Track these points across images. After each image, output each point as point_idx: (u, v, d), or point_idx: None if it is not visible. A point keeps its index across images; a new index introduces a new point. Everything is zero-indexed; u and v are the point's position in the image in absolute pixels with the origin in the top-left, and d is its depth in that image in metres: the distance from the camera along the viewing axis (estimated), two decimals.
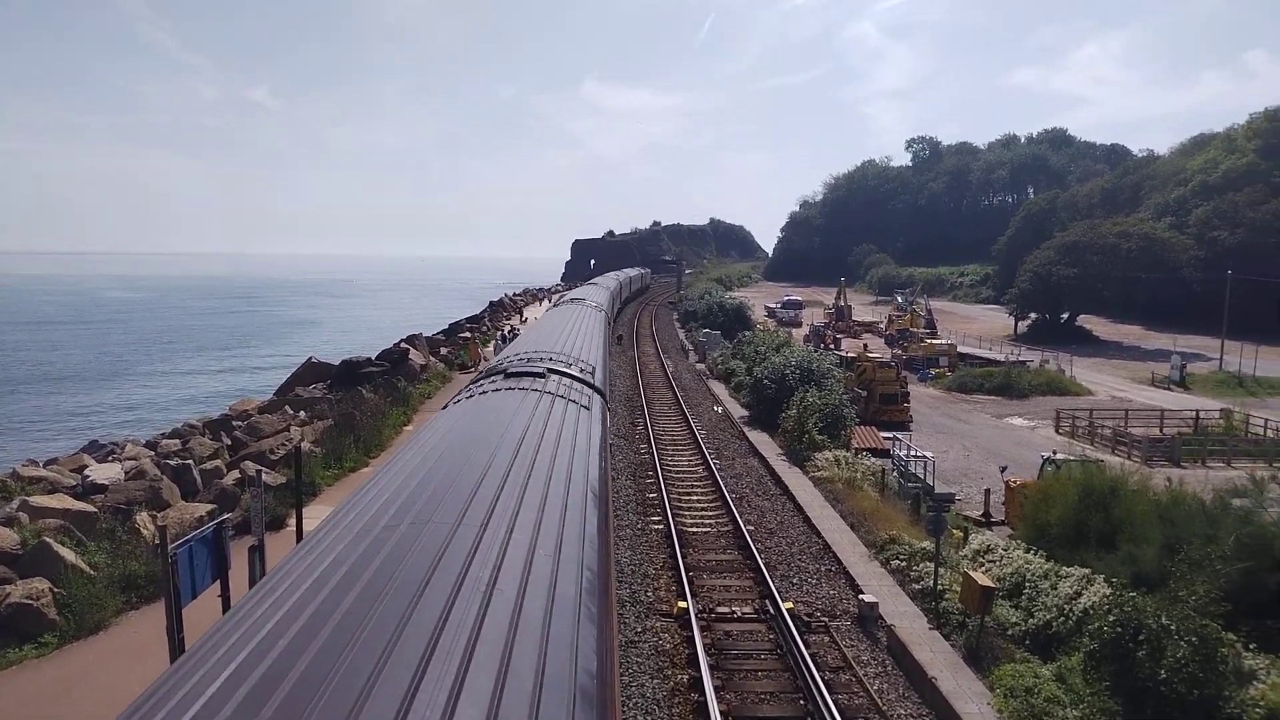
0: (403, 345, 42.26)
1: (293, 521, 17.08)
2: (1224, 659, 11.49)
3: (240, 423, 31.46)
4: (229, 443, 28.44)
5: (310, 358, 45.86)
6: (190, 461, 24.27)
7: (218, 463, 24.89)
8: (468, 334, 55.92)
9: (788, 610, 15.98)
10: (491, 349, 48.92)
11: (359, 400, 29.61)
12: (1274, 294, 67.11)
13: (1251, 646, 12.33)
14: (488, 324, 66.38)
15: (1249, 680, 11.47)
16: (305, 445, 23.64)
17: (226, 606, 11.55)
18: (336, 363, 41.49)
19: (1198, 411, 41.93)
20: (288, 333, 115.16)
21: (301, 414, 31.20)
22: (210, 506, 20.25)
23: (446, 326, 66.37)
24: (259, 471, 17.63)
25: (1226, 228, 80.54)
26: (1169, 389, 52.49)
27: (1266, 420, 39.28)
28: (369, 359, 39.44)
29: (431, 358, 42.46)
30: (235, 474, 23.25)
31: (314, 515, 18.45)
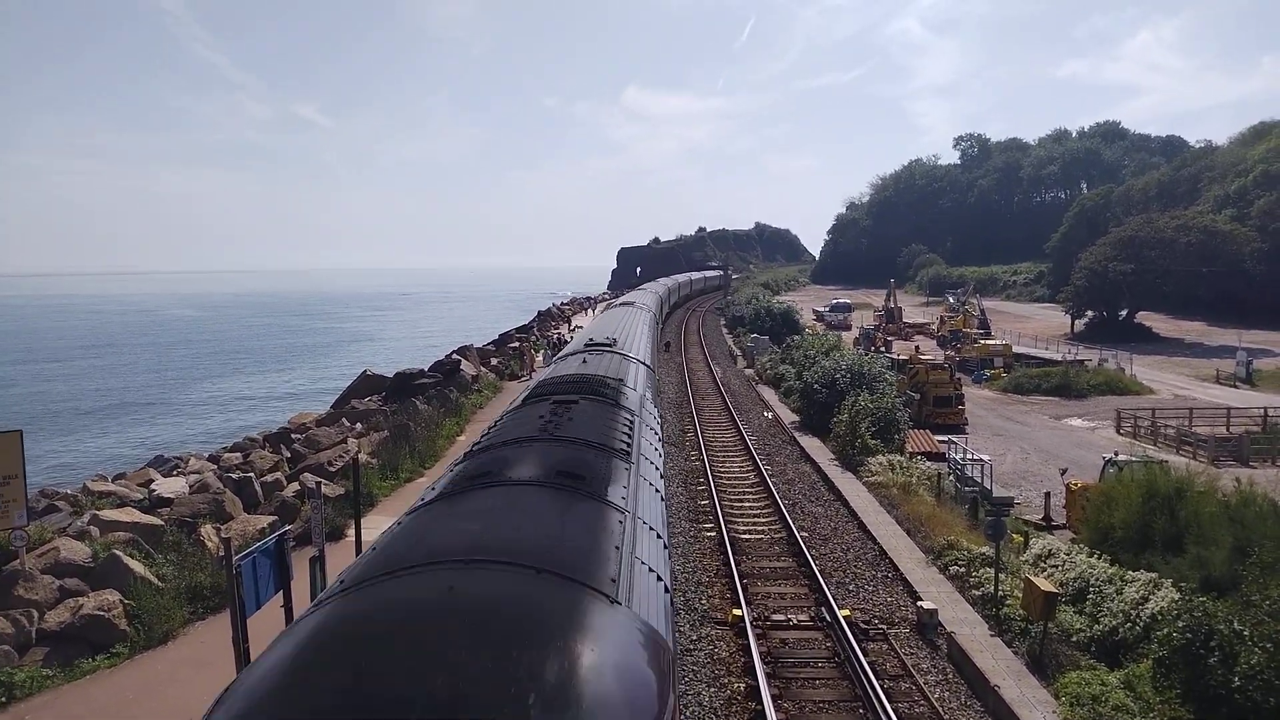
0: (454, 356, 42.82)
1: (352, 532, 17.39)
2: None
3: (299, 435, 32.13)
4: (288, 455, 29.07)
5: (365, 370, 46.70)
6: (251, 474, 24.85)
7: (278, 475, 25.45)
8: (517, 344, 56.45)
9: (844, 618, 15.82)
10: (540, 358, 49.30)
11: (413, 411, 30.04)
12: None
13: None
14: (536, 333, 66.90)
15: None
16: (362, 457, 24.06)
17: (289, 618, 11.82)
18: (390, 375, 42.16)
19: (1266, 409, 40.55)
20: (342, 346, 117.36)
21: (358, 426, 31.75)
22: (272, 518, 20.72)
23: (497, 337, 67.08)
24: (318, 484, 17.99)
25: None
26: (1235, 386, 50.90)
27: None
28: (422, 370, 40.01)
29: (483, 368, 42.93)
30: (295, 486, 23.76)
31: (372, 525, 18.77)
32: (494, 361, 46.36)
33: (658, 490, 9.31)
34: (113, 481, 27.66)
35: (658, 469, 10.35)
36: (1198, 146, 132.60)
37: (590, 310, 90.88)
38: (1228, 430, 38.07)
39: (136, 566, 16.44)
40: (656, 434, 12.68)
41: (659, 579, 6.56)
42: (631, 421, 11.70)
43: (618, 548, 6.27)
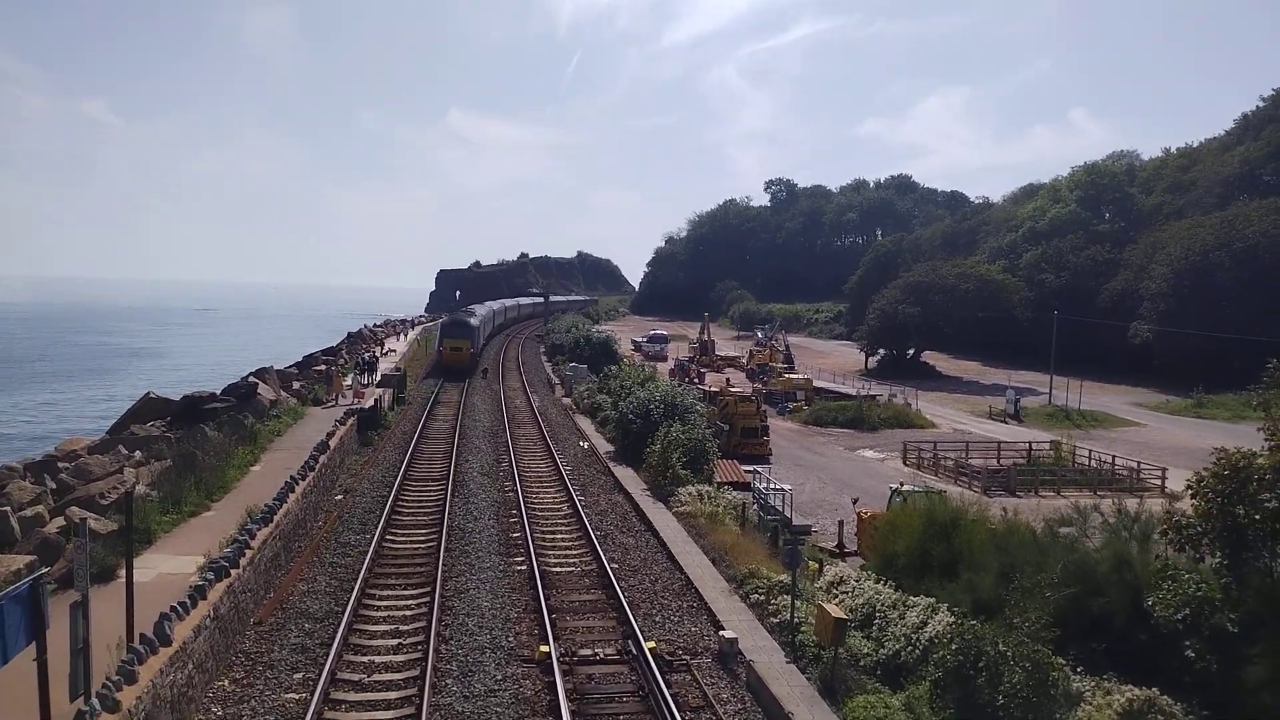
0: (251, 379, 40.19)
1: (123, 572, 15.85)
2: (1055, 683, 12.22)
3: (67, 464, 29.02)
4: (54, 486, 26.16)
5: (148, 393, 42.96)
6: (8, 508, 22.14)
7: (39, 509, 22.82)
8: (323, 367, 53.79)
9: (650, 650, 15.98)
10: (350, 381, 47.21)
11: (201, 439, 27.89)
12: (1094, 332, 72.99)
13: (1078, 670, 13.17)
14: (345, 356, 64.08)
15: (1076, 702, 12.25)
16: (140, 488, 22.03)
17: (43, 672, 10.57)
18: (178, 398, 39.04)
19: (1030, 443, 44.94)
20: (127, 364, 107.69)
21: (137, 454, 29.08)
22: (30, 558, 18.48)
23: (301, 359, 63.63)
24: (84, 520, 16.31)
25: (1052, 270, 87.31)
26: (1005, 422, 56.07)
27: (1090, 451, 42.49)
28: (213, 394, 37.27)
29: (283, 392, 40.56)
30: (60, 521, 21.38)
31: (148, 565, 17.19)
32: (296, 385, 43.88)
33: None
34: None
35: None
36: (977, 202, 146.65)
37: (403, 335, 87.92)
38: (998, 462, 41.81)
39: None
40: None
41: None
42: None
43: None
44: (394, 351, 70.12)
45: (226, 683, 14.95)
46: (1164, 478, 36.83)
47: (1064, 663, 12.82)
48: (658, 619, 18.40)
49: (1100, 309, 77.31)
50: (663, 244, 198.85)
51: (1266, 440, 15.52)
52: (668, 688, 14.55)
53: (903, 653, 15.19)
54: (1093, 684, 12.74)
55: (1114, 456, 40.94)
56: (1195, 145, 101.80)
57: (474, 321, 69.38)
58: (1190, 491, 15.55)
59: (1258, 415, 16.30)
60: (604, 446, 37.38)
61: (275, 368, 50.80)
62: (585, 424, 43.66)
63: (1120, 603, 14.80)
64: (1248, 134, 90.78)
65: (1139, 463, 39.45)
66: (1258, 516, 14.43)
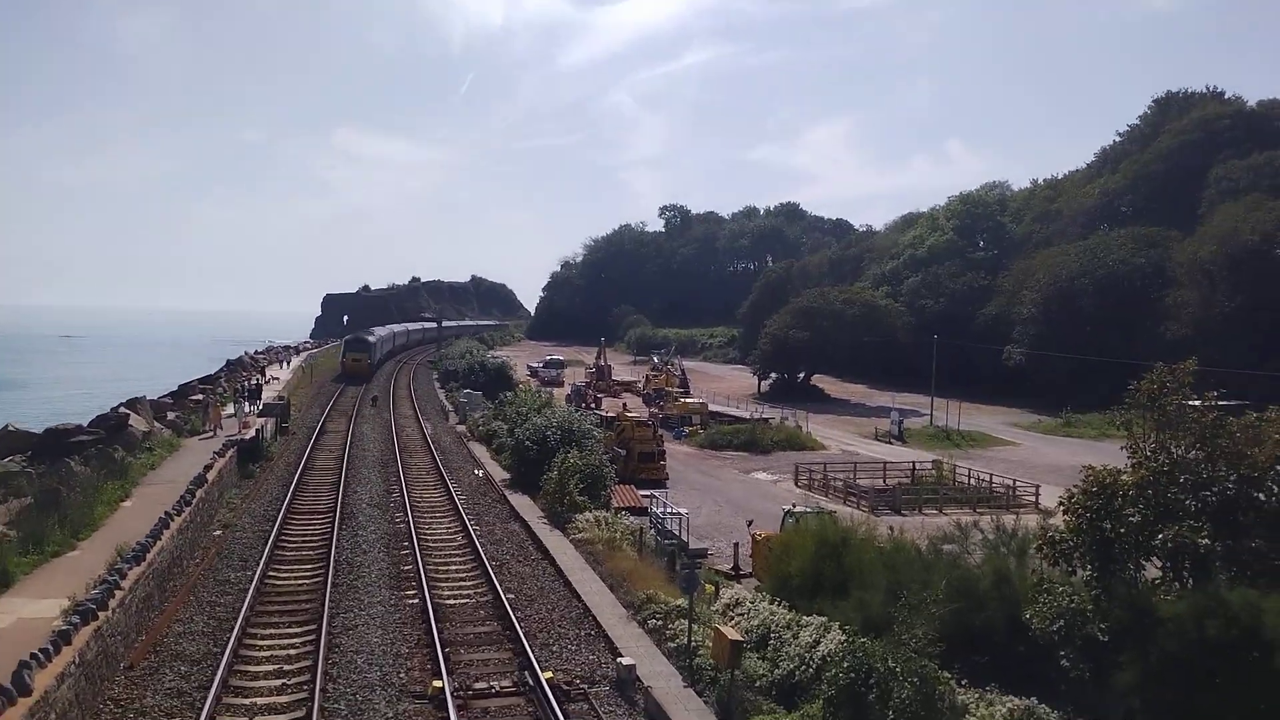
0: (122, 410, 37.99)
1: None
2: (941, 696, 12.62)
3: None
4: None
5: (7, 425, 40.07)
6: None
7: None
8: (200, 396, 51.33)
9: (547, 680, 15.76)
10: (232, 410, 45.19)
11: (66, 474, 26.14)
12: (971, 355, 76.56)
13: (963, 682, 13.65)
14: (224, 384, 61.33)
15: (961, 714, 12.68)
16: None
17: None
18: (40, 430, 36.56)
19: (914, 463, 46.61)
20: None
21: None
22: None
23: (176, 388, 60.55)
24: None
25: (932, 296, 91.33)
26: (890, 442, 58.02)
27: (969, 470, 44.38)
28: (80, 426, 35.04)
29: (156, 423, 38.47)
30: None
31: (6, 610, 15.95)
32: (171, 416, 41.68)
33: None
34: None
35: None
36: (861, 230, 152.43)
37: (285, 363, 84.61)
38: (884, 482, 43.17)
39: None
40: None
41: None
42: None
43: None
44: (276, 379, 67.56)
45: None
46: (1038, 495, 38.74)
47: (949, 676, 13.25)
48: (555, 648, 18.16)
49: (976, 332, 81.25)
50: (559, 268, 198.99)
51: (1130, 458, 16.57)
52: (565, 718, 14.35)
53: (797, 672, 15.42)
54: (976, 696, 13.22)
55: (991, 475, 42.85)
56: (1060, 176, 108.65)
57: (372, 339, 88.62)
58: (1062, 508, 16.44)
59: (1121, 434, 17.39)
60: (500, 474, 36.87)
61: (148, 397, 48.12)
62: (480, 451, 43.00)
63: (1000, 616, 15.44)
64: (1106, 166, 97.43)
65: (1014, 480, 41.38)
66: (1123, 530, 15.36)
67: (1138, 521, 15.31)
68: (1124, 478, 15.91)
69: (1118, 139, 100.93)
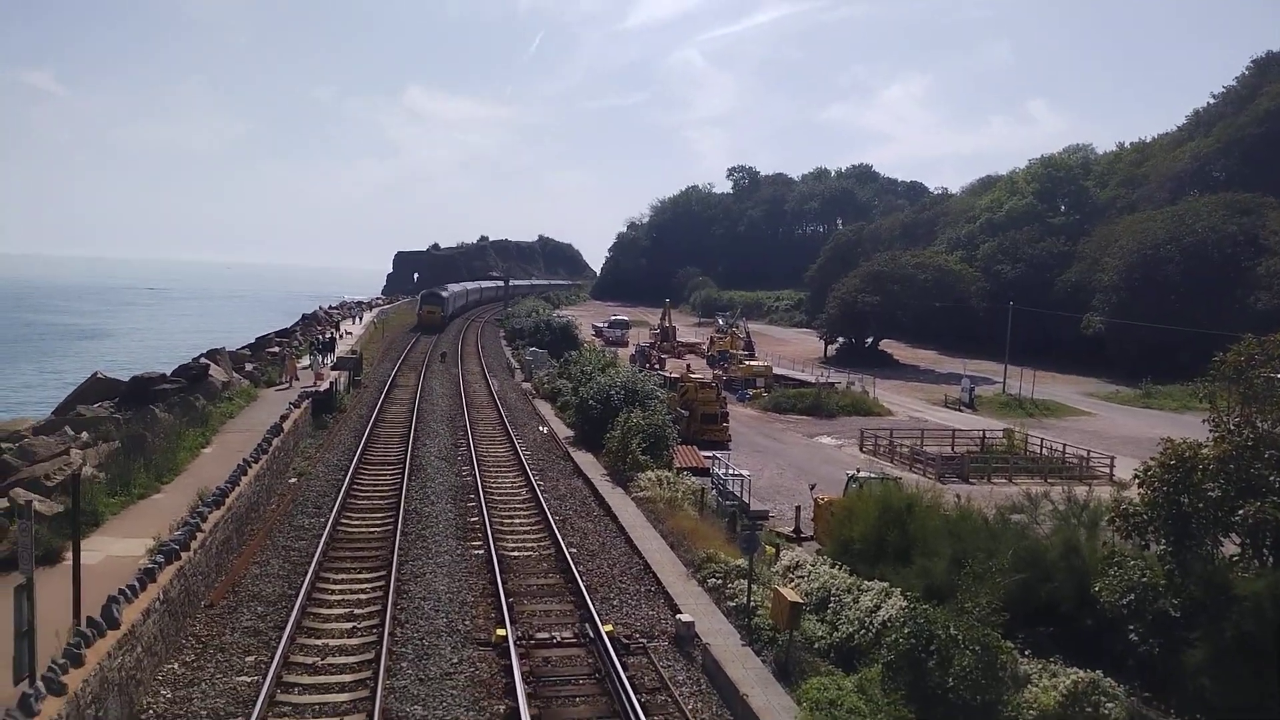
0: (203, 360, 39.44)
1: (70, 555, 15.49)
2: (1003, 665, 12.48)
3: (10, 445, 28.19)
4: None
5: (96, 373, 41.98)
6: None
7: None
8: (277, 348, 52.94)
9: (607, 633, 16.03)
10: (308, 362, 46.53)
11: (151, 420, 27.30)
12: (1048, 323, 74.35)
13: (1026, 653, 13.46)
14: (299, 338, 63.11)
15: (1024, 684, 12.51)
16: (88, 470, 21.53)
17: None
18: (126, 379, 38.19)
19: (984, 431, 45.66)
20: (70, 345, 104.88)
21: (84, 435, 28.39)
22: None
23: (254, 340, 62.55)
24: (28, 501, 15.92)
25: (1008, 262, 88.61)
26: (960, 410, 56.96)
27: (1042, 439, 43.34)
28: (164, 375, 36.52)
29: (235, 374, 39.84)
30: (3, 503, 20.82)
31: (95, 548, 16.82)
32: (249, 367, 43.12)
33: None
34: None
35: None
36: (935, 193, 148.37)
37: (358, 318, 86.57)
38: (952, 450, 42.45)
39: None
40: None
41: None
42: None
43: None
44: (350, 334, 69.25)
45: (176, 666, 14.72)
46: (1112, 466, 37.68)
47: (1012, 646, 13.09)
48: (615, 603, 18.45)
49: (1054, 300, 78.66)
50: (624, 229, 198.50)
51: (1211, 431, 15.95)
52: (624, 670, 14.61)
53: (856, 636, 15.39)
54: (1039, 666, 13.03)
55: (1065, 445, 41.78)
56: (1148, 140, 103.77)
57: (445, 295, 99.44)
58: (1137, 480, 15.92)
59: (1203, 406, 16.72)
60: (564, 431, 37.31)
61: (227, 349, 49.90)
62: (545, 409, 43.52)
63: (1068, 588, 15.12)
64: (1199, 130, 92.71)
65: (1089, 451, 40.31)
66: (1201, 505, 14.82)
67: (1217, 496, 14.74)
68: (1204, 451, 15.32)
69: (1211, 101, 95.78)
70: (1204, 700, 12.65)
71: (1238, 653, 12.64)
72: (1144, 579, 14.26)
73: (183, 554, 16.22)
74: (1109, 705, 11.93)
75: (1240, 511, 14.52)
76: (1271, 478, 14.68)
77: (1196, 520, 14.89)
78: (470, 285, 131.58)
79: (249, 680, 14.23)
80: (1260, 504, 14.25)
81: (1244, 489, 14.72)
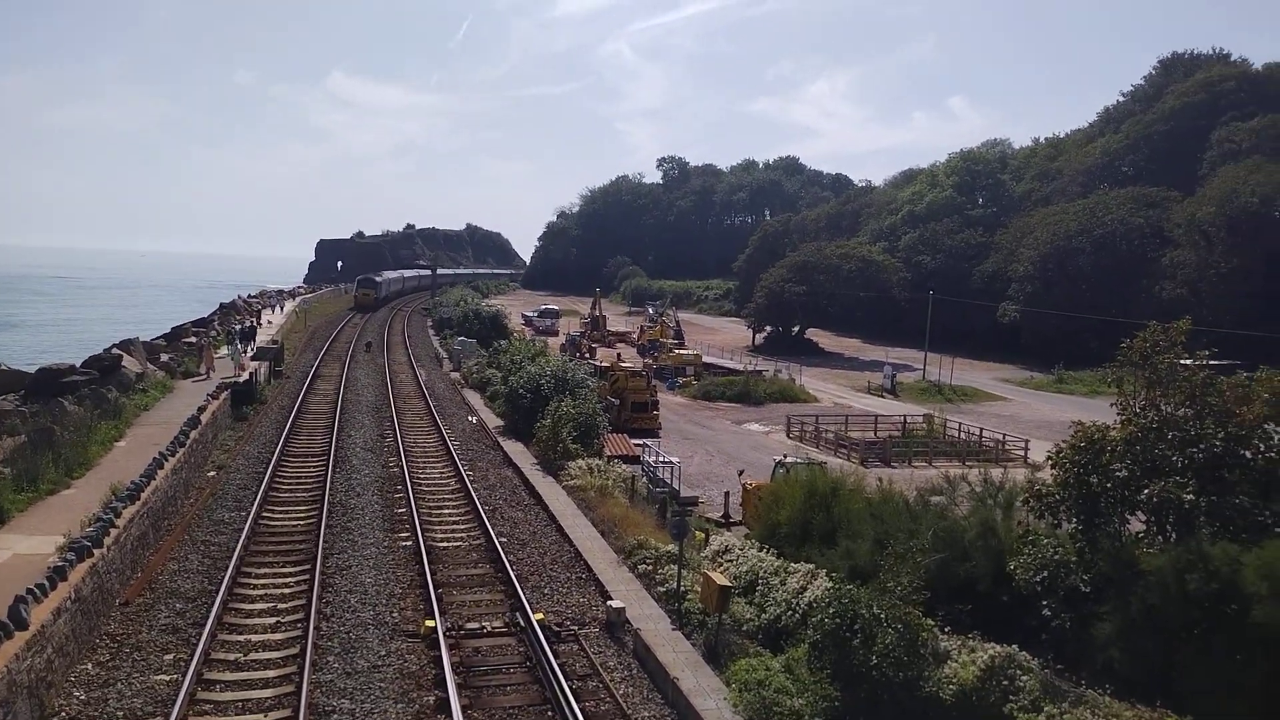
0: (115, 351, 37.89)
1: None
2: (924, 643, 12.86)
3: None
4: None
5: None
6: None
7: None
8: (193, 338, 51.18)
9: (538, 621, 16.01)
10: (226, 353, 45.12)
11: (60, 413, 26.16)
12: (966, 312, 76.57)
13: (946, 630, 13.88)
14: (217, 328, 61.15)
15: (944, 660, 12.91)
16: None
17: None
18: (32, 370, 36.50)
19: (905, 417, 46.88)
20: None
21: None
22: None
23: (169, 330, 60.37)
24: None
25: (929, 253, 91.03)
26: (882, 396, 58.33)
27: (960, 424, 44.67)
28: (73, 366, 34.98)
29: (150, 365, 38.42)
30: None
31: (2, 546, 16.10)
32: (165, 358, 41.58)
33: None
34: None
35: None
36: (860, 185, 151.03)
37: (279, 307, 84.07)
38: (875, 435, 43.47)
39: None
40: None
41: None
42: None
43: None
44: (270, 324, 67.37)
45: (90, 666, 14.21)
46: (1027, 449, 39.08)
47: (933, 624, 13.48)
48: (546, 591, 18.44)
49: (972, 290, 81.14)
50: (555, 219, 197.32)
51: (1119, 415, 16.69)
52: (555, 658, 14.63)
53: (783, 617, 15.67)
54: (959, 642, 13.45)
55: (982, 429, 43.14)
56: (1062, 136, 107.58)
57: (379, 279, 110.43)
58: (1050, 462, 16.57)
59: (1112, 391, 17.48)
60: (493, 421, 37.03)
61: (141, 339, 48.04)
62: (474, 399, 43.12)
63: (985, 567, 15.65)
64: (1109, 126, 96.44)
65: (1004, 435, 41.69)
66: (1109, 485, 15.51)
67: (1124, 476, 15.45)
68: (1112, 434, 16.03)
69: (1121, 99, 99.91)
70: (1114, 671, 13.24)
71: (1144, 625, 13.26)
72: (1056, 556, 14.86)
73: (95, 551, 15.64)
74: (1024, 678, 12.38)
75: (1145, 491, 15.25)
76: (1174, 458, 15.43)
77: (1105, 499, 15.58)
78: (406, 273, 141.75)
79: (168, 679, 13.82)
80: (1164, 483, 14.98)
81: (1149, 469, 15.46)
